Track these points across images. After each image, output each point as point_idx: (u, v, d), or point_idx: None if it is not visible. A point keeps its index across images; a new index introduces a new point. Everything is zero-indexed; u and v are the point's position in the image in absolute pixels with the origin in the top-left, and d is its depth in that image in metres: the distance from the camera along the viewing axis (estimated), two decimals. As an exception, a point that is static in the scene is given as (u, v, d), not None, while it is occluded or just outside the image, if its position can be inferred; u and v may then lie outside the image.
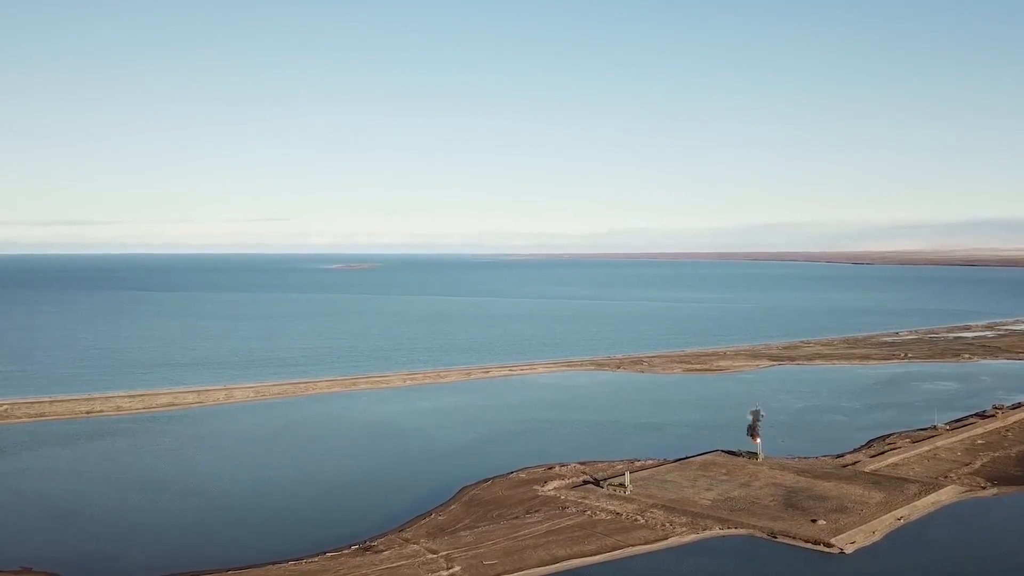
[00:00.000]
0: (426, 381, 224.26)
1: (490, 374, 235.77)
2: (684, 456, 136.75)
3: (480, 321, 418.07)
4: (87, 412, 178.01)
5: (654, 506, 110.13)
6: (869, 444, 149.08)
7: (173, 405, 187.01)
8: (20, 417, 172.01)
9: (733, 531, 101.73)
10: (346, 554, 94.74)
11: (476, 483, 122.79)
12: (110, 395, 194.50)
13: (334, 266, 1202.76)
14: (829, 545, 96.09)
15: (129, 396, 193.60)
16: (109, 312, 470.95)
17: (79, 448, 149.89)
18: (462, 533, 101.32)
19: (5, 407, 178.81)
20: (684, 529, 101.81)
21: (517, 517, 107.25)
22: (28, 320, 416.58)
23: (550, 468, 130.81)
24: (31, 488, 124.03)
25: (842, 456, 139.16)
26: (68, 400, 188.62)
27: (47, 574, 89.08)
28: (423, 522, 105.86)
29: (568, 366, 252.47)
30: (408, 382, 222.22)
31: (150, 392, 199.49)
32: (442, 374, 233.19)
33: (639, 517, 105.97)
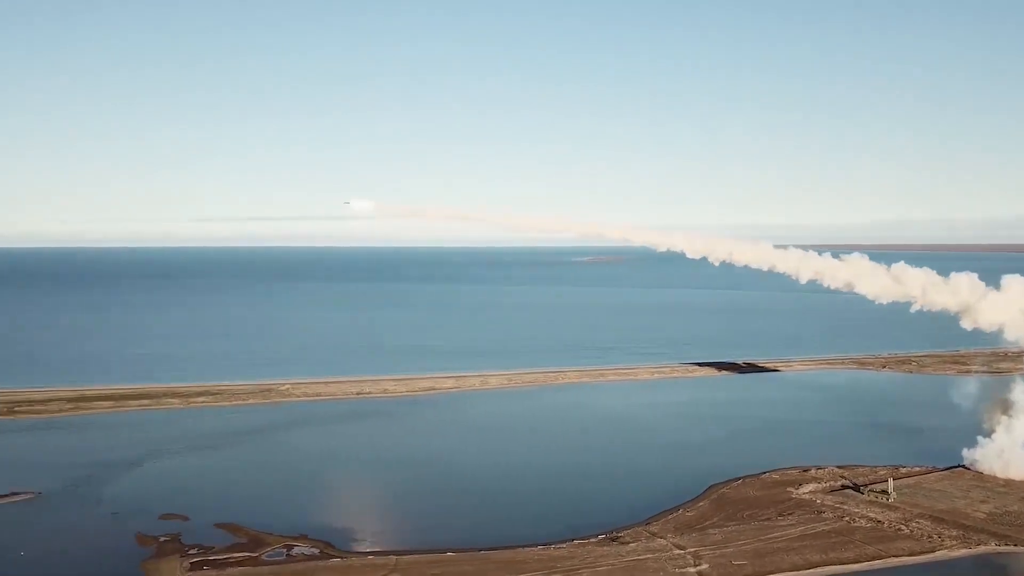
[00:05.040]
0: (674, 375, 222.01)
1: (741, 369, 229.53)
2: (956, 465, 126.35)
3: (731, 315, 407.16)
4: (357, 393, 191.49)
5: (920, 516, 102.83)
6: None
7: (433, 389, 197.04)
8: (299, 396, 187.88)
9: (1012, 548, 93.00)
10: (593, 543, 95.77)
11: (725, 481, 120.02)
12: (378, 378, 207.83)
13: (583, 259, 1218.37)
14: None
15: (394, 380, 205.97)
16: (366, 303, 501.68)
17: (350, 427, 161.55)
18: (710, 531, 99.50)
19: (287, 386, 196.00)
20: (954, 543, 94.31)
21: (769, 519, 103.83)
22: (287, 309, 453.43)
23: (805, 470, 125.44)
24: (307, 462, 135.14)
25: None
26: (341, 382, 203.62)
27: (321, 542, 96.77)
28: (670, 517, 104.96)
29: (828, 364, 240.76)
30: (656, 375, 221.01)
31: (413, 377, 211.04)
32: (690, 369, 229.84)
33: (903, 527, 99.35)
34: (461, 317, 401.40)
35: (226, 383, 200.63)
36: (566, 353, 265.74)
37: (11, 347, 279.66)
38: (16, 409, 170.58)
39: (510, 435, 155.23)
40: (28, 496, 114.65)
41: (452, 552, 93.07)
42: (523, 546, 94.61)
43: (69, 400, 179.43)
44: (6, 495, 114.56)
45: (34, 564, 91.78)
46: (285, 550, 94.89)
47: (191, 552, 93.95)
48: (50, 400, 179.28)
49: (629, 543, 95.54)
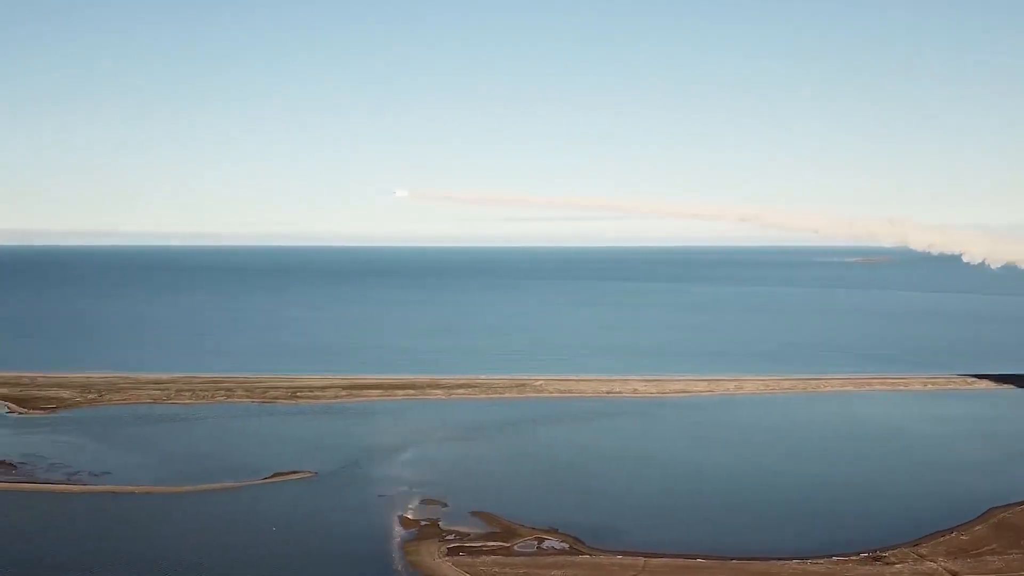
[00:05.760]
0: (951, 386, 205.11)
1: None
2: None
3: (1015, 323, 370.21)
4: (607, 392, 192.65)
5: None
6: None
7: (685, 392, 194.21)
8: (552, 392, 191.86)
9: None
10: (854, 561, 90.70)
11: (1008, 505, 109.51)
12: (628, 378, 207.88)
13: (852, 259, 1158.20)
14: None
15: (645, 380, 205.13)
16: (604, 301, 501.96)
17: (599, 424, 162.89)
18: (988, 558, 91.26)
19: (540, 382, 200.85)
20: None
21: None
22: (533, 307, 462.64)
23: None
24: (558, 457, 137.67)
25: None
26: (592, 380, 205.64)
27: (571, 537, 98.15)
28: (942, 540, 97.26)
29: None
30: (929, 386, 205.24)
31: (664, 378, 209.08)
32: (969, 381, 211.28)
33: None
34: (713, 318, 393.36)
35: (484, 376, 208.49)
36: (828, 359, 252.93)
37: (283, 334, 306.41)
38: (297, 394, 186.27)
39: (764, 442, 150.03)
40: (307, 475, 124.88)
41: (702, 559, 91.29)
42: (778, 558, 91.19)
43: (344, 387, 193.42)
44: (288, 473, 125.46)
45: (309, 537, 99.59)
46: (536, 542, 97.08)
47: (448, 537, 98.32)
48: (327, 387, 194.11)
49: (895, 564, 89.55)
